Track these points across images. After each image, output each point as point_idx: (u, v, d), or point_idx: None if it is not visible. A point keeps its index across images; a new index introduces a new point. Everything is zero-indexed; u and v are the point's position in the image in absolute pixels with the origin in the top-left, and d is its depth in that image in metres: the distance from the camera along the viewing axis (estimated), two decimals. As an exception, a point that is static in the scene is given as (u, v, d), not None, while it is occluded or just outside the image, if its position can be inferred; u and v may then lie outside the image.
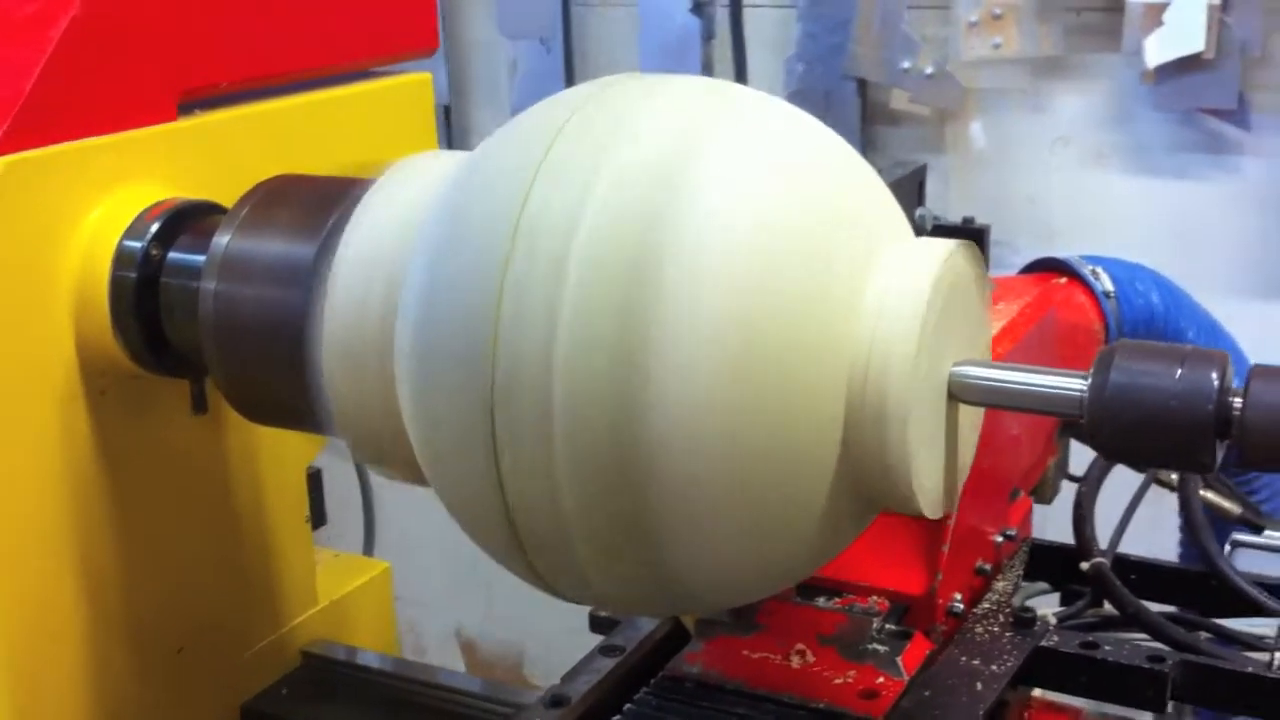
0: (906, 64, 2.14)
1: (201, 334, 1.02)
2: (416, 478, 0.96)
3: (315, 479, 1.39)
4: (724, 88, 0.91)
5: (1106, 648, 1.08)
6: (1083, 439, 1.08)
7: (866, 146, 2.22)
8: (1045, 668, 1.08)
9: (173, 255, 1.07)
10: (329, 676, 1.34)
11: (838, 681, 1.05)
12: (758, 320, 0.79)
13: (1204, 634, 1.15)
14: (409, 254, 0.89)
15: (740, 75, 2.15)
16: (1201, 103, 1.98)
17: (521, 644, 2.89)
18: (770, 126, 0.87)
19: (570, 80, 2.49)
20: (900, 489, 0.83)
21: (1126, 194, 2.11)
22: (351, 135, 1.38)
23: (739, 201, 0.81)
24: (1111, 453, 0.84)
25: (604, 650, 1.14)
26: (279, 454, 1.31)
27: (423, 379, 0.85)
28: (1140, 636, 1.16)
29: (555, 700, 1.07)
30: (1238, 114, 1.97)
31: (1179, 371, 0.79)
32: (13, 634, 1.10)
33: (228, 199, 1.14)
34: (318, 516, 1.40)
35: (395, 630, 1.52)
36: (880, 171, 0.91)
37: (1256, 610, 1.17)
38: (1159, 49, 1.95)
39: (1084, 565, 1.18)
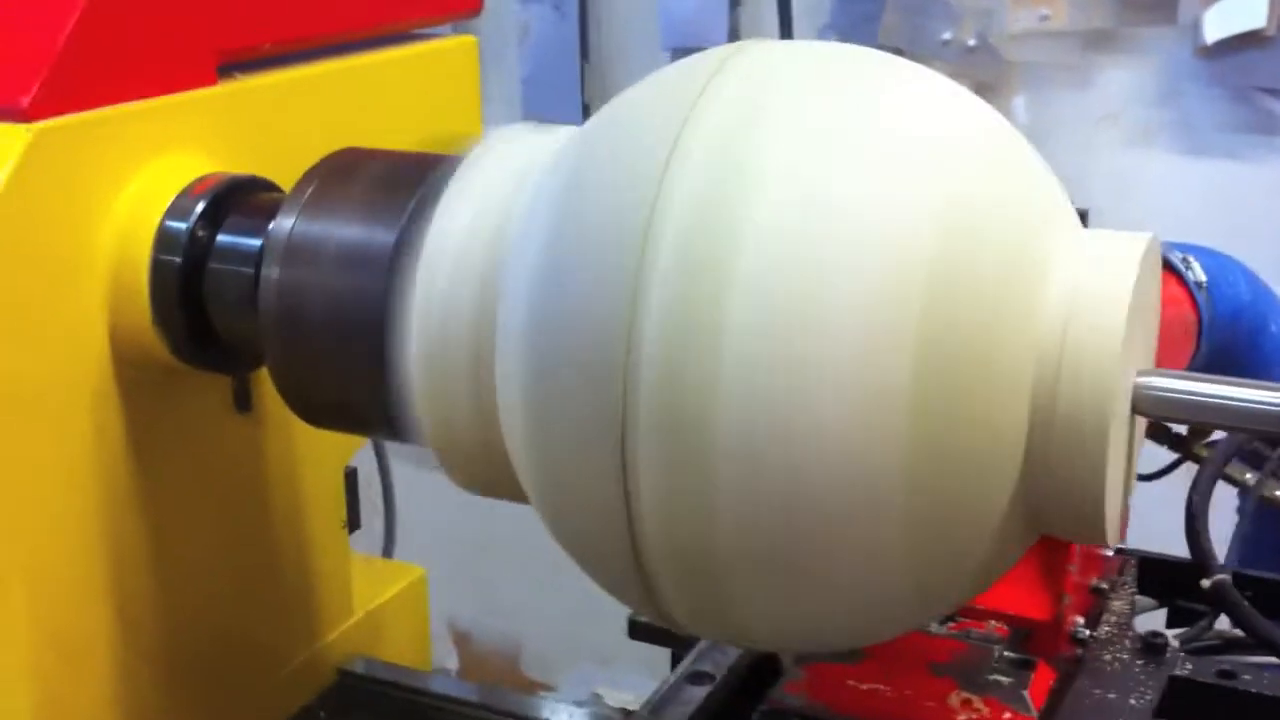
0: (947, 35, 2.04)
1: (260, 326, 0.91)
2: (512, 495, 0.85)
3: (351, 479, 1.28)
4: (871, 57, 0.80)
5: (1246, 677, 0.99)
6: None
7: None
8: (1178, 699, 0.99)
9: (223, 238, 0.95)
10: (368, 698, 1.23)
11: (960, 718, 0.95)
12: (936, 332, 0.69)
13: (1337, 659, 1.06)
14: (506, 248, 0.79)
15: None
16: (1259, 81, 1.89)
17: (518, 637, 2.79)
18: (930, 109, 0.77)
19: (585, 49, 2.37)
20: (1090, 515, 0.73)
21: (1173, 173, 2.02)
22: (398, 101, 1.27)
23: (919, 193, 0.71)
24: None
25: (692, 679, 1.04)
26: (318, 453, 1.20)
27: (536, 394, 0.75)
28: (1269, 660, 1.08)
29: (646, 736, 0.98)
30: (1298, 92, 1.88)
31: None
32: (38, 645, 0.98)
33: (272, 170, 1.03)
34: (352, 520, 1.29)
35: (430, 641, 1.41)
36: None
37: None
38: (1219, 23, 1.86)
39: (1205, 582, 1.09)
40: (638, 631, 1.38)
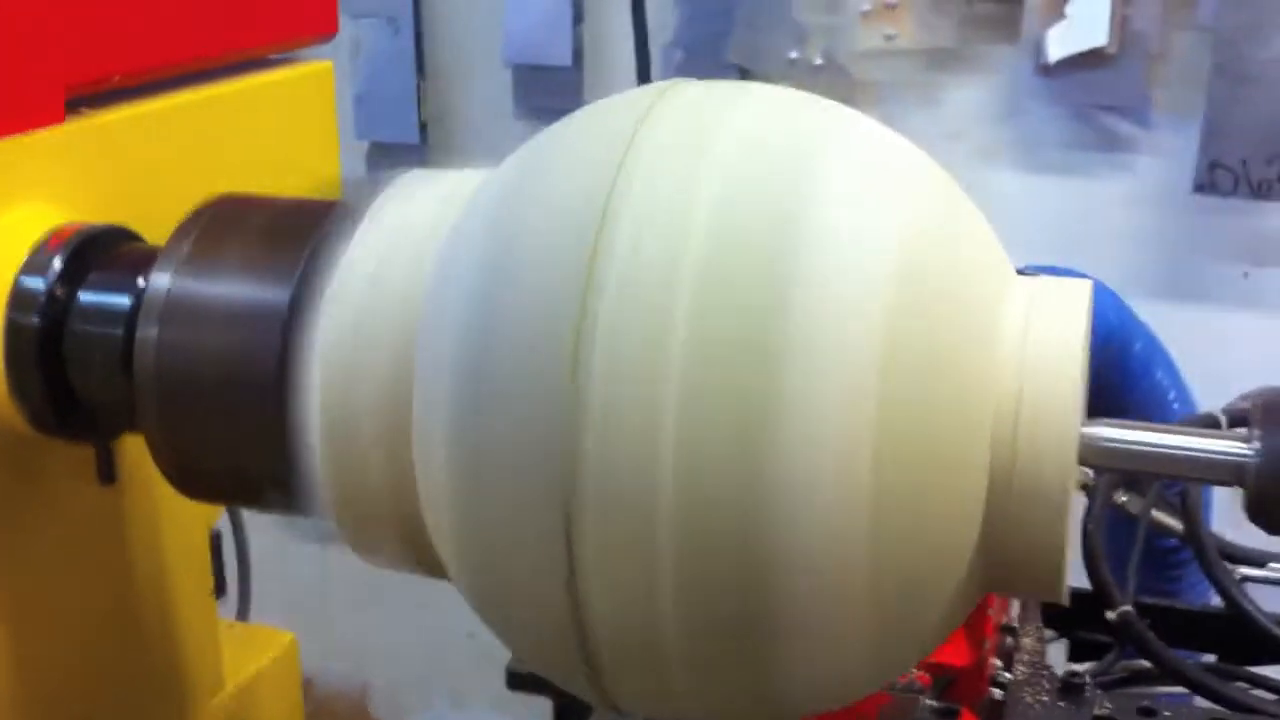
0: (794, 54, 2.03)
1: (137, 390, 0.82)
2: (429, 571, 0.79)
3: (215, 544, 1.19)
4: (812, 99, 0.77)
5: (1166, 714, 0.99)
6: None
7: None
8: (1102, 739, 0.98)
9: (85, 296, 0.87)
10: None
11: (902, 773, 0.93)
12: (896, 391, 0.65)
13: (1239, 684, 1.07)
14: (418, 309, 0.72)
15: (643, 63, 2.00)
16: (1102, 99, 1.93)
17: (364, 680, 2.70)
18: (882, 140, 0.74)
19: (422, 64, 2.30)
20: (1049, 572, 0.70)
21: (1018, 191, 2.05)
22: (256, 131, 1.18)
23: (871, 253, 0.67)
24: (1275, 526, 0.73)
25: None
26: (183, 519, 1.11)
27: (466, 468, 0.68)
28: (1177, 690, 1.08)
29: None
30: (1140, 111, 1.92)
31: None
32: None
33: (128, 213, 0.95)
34: (219, 586, 1.20)
35: (301, 707, 1.33)
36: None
37: (1287, 654, 1.09)
38: (1061, 42, 1.89)
39: (1110, 615, 1.08)
40: (517, 682, 1.33)
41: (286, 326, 0.78)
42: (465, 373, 0.68)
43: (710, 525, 0.64)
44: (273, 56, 1.23)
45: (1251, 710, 1.00)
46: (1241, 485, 0.71)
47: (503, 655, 1.07)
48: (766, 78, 2.08)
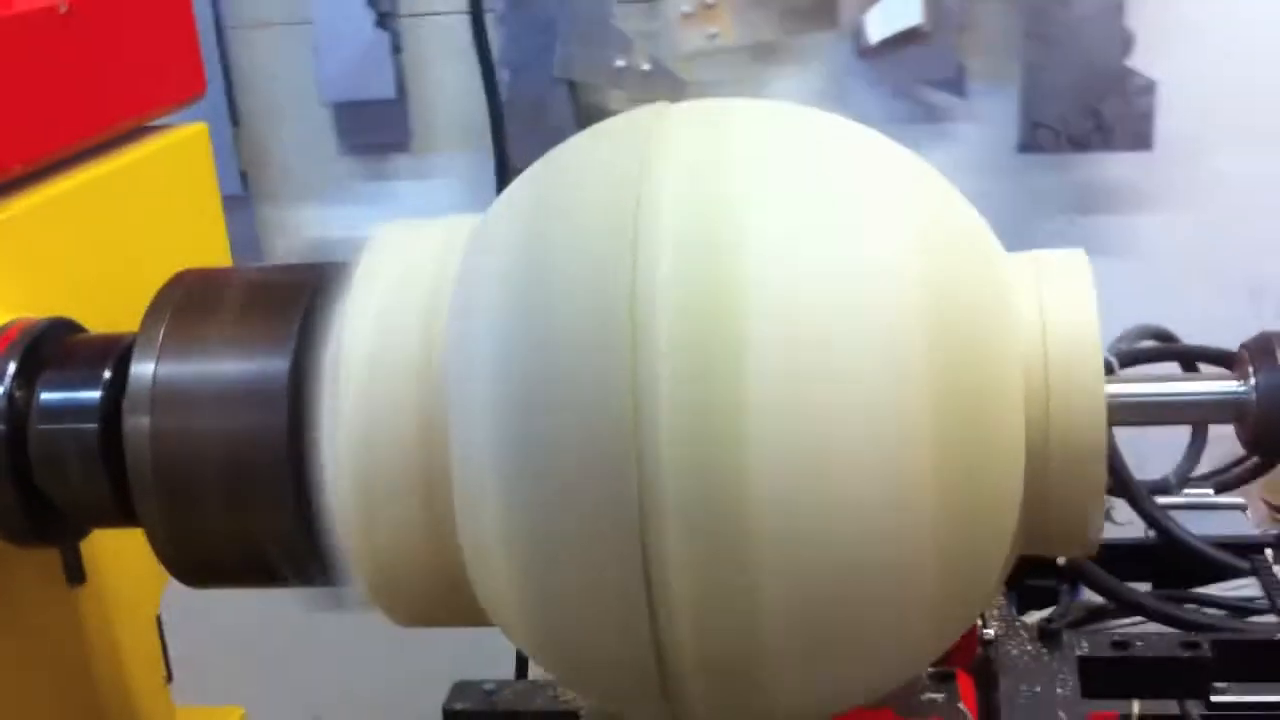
0: (621, 62, 2.05)
1: (132, 484, 0.79)
2: (468, 621, 0.78)
3: (159, 627, 1.15)
4: (797, 109, 0.79)
5: (1138, 644, 1.04)
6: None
7: (584, 151, 2.12)
8: (1085, 678, 1.03)
9: (47, 395, 0.83)
10: None
11: (911, 744, 0.95)
12: (946, 372, 0.68)
13: (1189, 606, 1.14)
14: (442, 355, 0.72)
15: (490, 83, 1.99)
16: (922, 75, 2.01)
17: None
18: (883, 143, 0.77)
19: (234, 113, 2.24)
20: (1087, 532, 0.74)
21: (850, 171, 2.11)
22: (141, 205, 1.15)
23: (904, 251, 0.69)
24: (1275, 453, 0.79)
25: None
26: (132, 607, 1.07)
27: (526, 508, 0.68)
28: (1129, 622, 1.14)
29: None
30: (956, 82, 2.01)
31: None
32: None
33: (41, 303, 0.91)
34: (169, 671, 1.15)
35: (258, 782, 1.29)
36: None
37: (1220, 574, 1.16)
38: (879, 24, 1.96)
39: (1061, 560, 1.14)
40: (454, 718, 1.33)
41: (291, 398, 0.77)
42: (514, 414, 0.68)
43: (800, 525, 0.65)
44: (150, 124, 1.20)
45: (1211, 628, 1.07)
46: (1240, 422, 0.76)
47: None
48: (596, 89, 2.11)
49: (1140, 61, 1.92)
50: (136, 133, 1.18)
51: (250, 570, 0.82)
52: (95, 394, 0.82)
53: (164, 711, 1.12)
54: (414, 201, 2.20)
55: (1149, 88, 1.93)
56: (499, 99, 1.97)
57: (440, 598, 0.77)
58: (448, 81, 2.16)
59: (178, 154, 1.20)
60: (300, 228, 2.23)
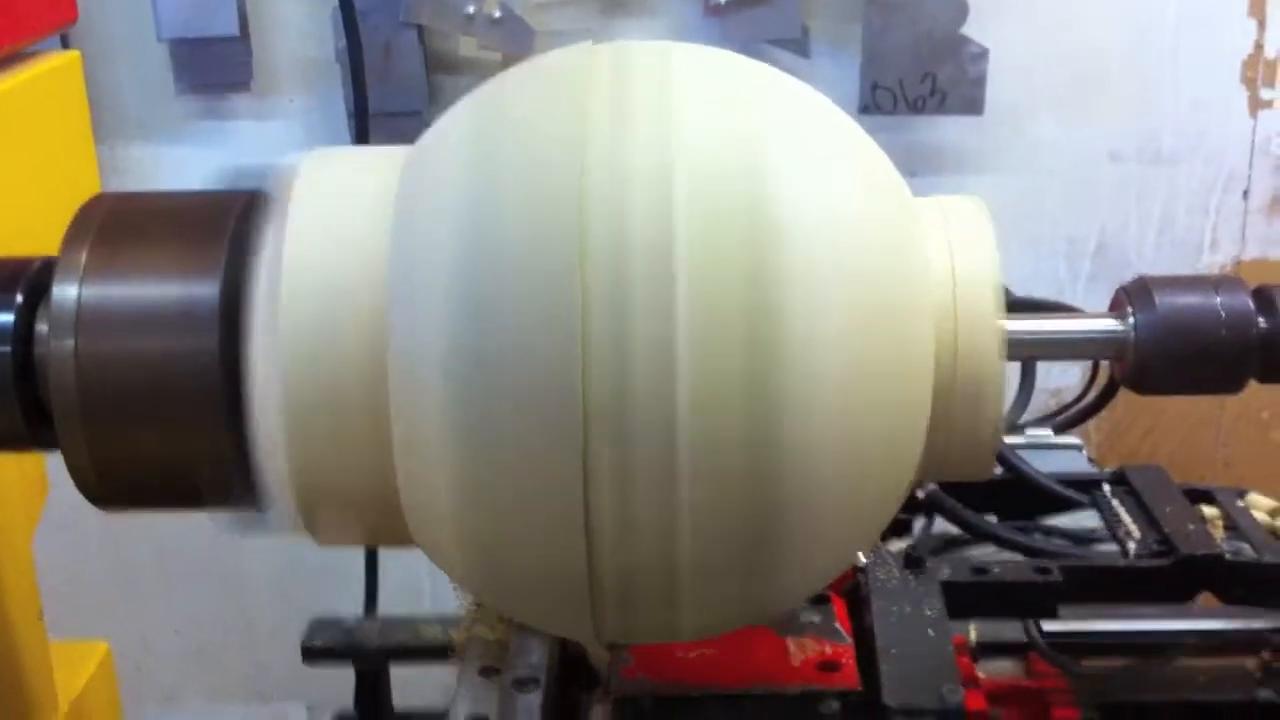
0: (471, 9, 2.05)
1: (55, 407, 0.78)
2: (398, 542, 0.80)
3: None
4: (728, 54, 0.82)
5: (996, 569, 1.12)
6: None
7: (431, 97, 2.12)
8: (950, 600, 1.10)
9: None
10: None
11: (795, 662, 1.01)
12: (871, 306, 0.73)
13: (1037, 535, 1.22)
14: (383, 280, 0.73)
15: (350, 28, 1.96)
16: (767, 34, 2.06)
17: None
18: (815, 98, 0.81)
19: (66, 46, 2.16)
20: (984, 457, 0.80)
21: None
22: (12, 133, 1.12)
23: (829, 179, 0.74)
24: (1150, 387, 0.85)
25: (517, 685, 1.02)
26: (7, 537, 1.05)
27: (471, 423, 0.71)
28: (979, 552, 1.22)
29: (515, 753, 0.95)
30: (800, 43, 2.07)
31: (1218, 299, 0.82)
32: None
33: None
34: (39, 602, 1.14)
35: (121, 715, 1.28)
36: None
37: (1062, 507, 1.25)
38: (725, -17, 2.01)
39: (920, 493, 1.21)
40: (314, 655, 1.34)
41: (224, 320, 0.77)
42: (463, 332, 0.70)
43: (723, 441, 0.69)
44: (21, 51, 1.17)
45: (1058, 555, 1.15)
46: (1119, 358, 0.83)
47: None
48: (447, 35, 2.10)
49: (974, 30, 2.01)
50: (6, 61, 1.15)
51: (173, 494, 0.82)
52: (8, 317, 0.81)
53: (38, 644, 1.11)
54: (254, 142, 2.16)
55: (982, 55, 2.02)
56: (359, 40, 1.95)
57: (368, 519, 0.78)
58: (292, 21, 2.13)
59: (49, 82, 1.18)
60: (136, 168, 2.17)
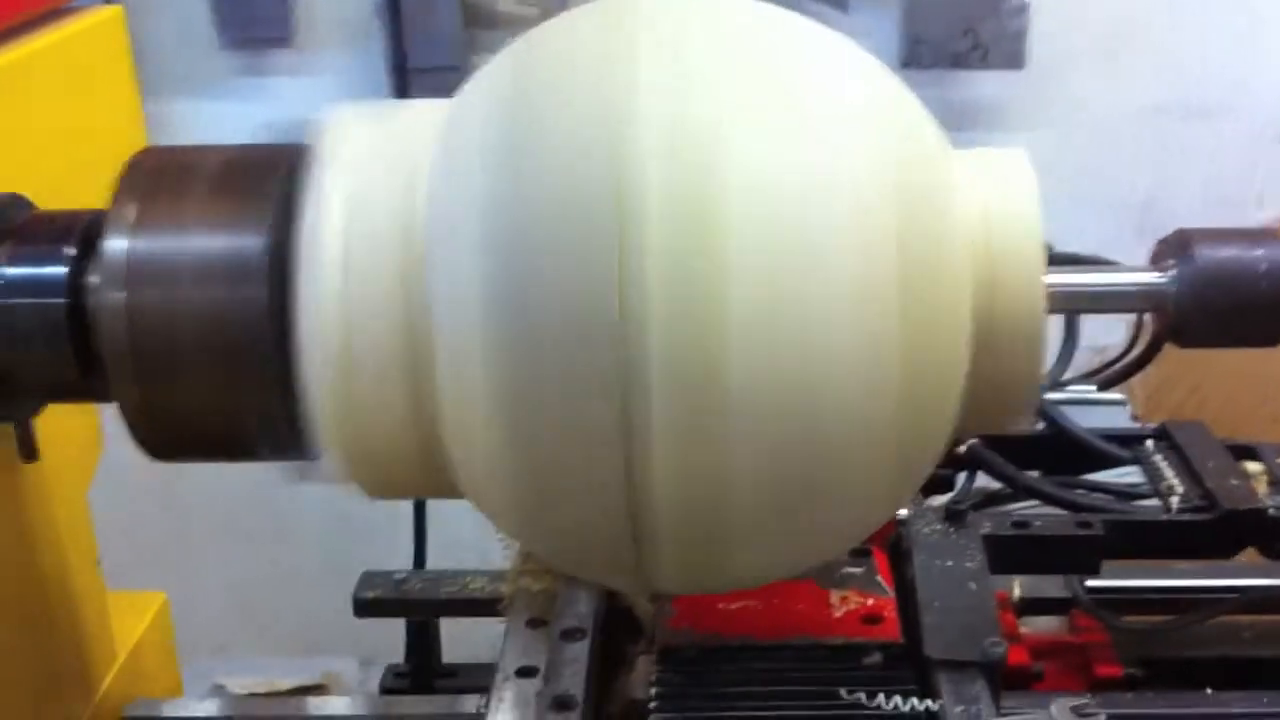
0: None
1: (107, 358, 0.79)
2: (439, 492, 0.81)
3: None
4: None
5: (1038, 524, 1.12)
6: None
7: (469, 49, 2.11)
8: (991, 554, 1.10)
9: (9, 270, 0.83)
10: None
11: (837, 615, 1.02)
12: (910, 251, 0.73)
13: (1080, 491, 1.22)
14: (423, 234, 0.74)
15: None
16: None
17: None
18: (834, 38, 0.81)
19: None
20: (1024, 409, 0.80)
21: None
22: (59, 87, 1.13)
23: (867, 139, 0.74)
24: (1189, 340, 0.85)
25: (565, 635, 1.03)
26: (68, 491, 1.07)
27: (512, 372, 0.71)
28: (1022, 506, 1.22)
29: (561, 703, 0.96)
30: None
31: (1259, 252, 0.82)
32: None
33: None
34: (96, 552, 1.16)
35: (178, 667, 1.30)
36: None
37: (1105, 463, 1.25)
38: (769, -64, 1.99)
39: (961, 448, 1.21)
40: (365, 608, 1.37)
41: (272, 271, 0.78)
42: (498, 272, 0.70)
43: (772, 383, 0.70)
44: (65, 6, 1.17)
45: (1101, 510, 1.15)
46: (1159, 310, 0.83)
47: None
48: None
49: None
50: (51, 15, 1.16)
51: (224, 443, 0.84)
52: (61, 269, 0.82)
53: (96, 592, 1.13)
54: (294, 98, 2.17)
55: (1022, 9, 2.01)
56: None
57: (415, 470, 0.79)
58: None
59: (94, 37, 1.19)
60: (180, 122, 2.18)
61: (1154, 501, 1.18)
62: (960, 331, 0.76)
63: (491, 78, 0.78)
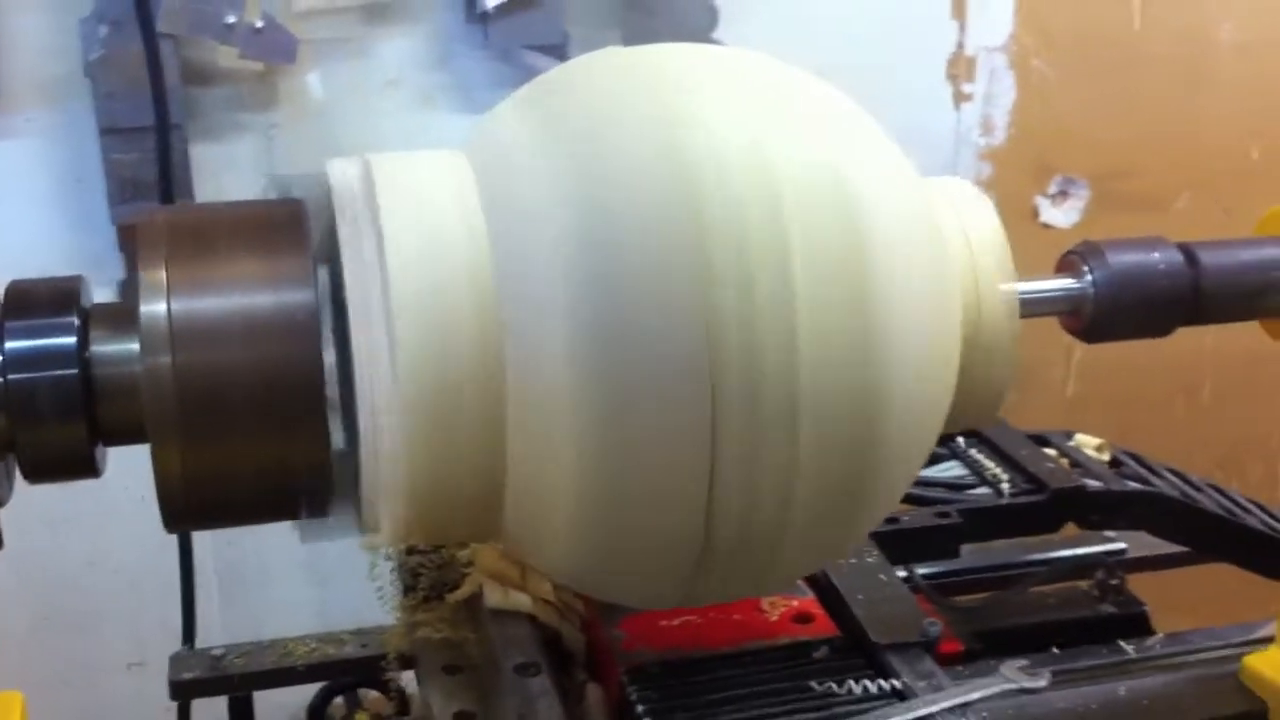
0: (232, 19, 2.01)
1: (150, 423, 0.76)
2: (473, 534, 0.84)
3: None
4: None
5: (905, 519, 1.24)
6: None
7: (189, 109, 2.06)
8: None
9: (14, 345, 0.79)
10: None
11: (772, 618, 1.10)
12: (930, 278, 0.83)
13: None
14: (485, 266, 0.77)
15: (150, 44, 1.87)
16: (529, 40, 2.12)
17: None
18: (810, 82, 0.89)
19: None
20: (995, 409, 0.91)
21: (455, 132, 2.19)
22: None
23: (894, 176, 0.83)
24: (1097, 337, 0.98)
25: (519, 670, 1.05)
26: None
27: (601, 397, 0.75)
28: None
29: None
30: (561, 48, 2.14)
31: (1155, 255, 0.97)
32: None
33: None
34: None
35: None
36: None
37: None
38: (494, -8, 2.06)
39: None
40: (181, 690, 1.35)
41: (322, 329, 0.78)
42: (581, 305, 0.75)
43: (837, 391, 0.77)
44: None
45: (946, 501, 1.29)
46: (1075, 314, 0.96)
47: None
48: (205, 44, 2.05)
49: (724, 34, 2.14)
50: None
51: (262, 504, 0.82)
52: (70, 340, 0.79)
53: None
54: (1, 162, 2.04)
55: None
56: (160, 62, 1.88)
57: (468, 513, 0.81)
58: (32, 36, 2.02)
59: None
60: None
61: (984, 490, 1.33)
62: (954, 339, 0.86)
63: (538, 121, 0.81)
